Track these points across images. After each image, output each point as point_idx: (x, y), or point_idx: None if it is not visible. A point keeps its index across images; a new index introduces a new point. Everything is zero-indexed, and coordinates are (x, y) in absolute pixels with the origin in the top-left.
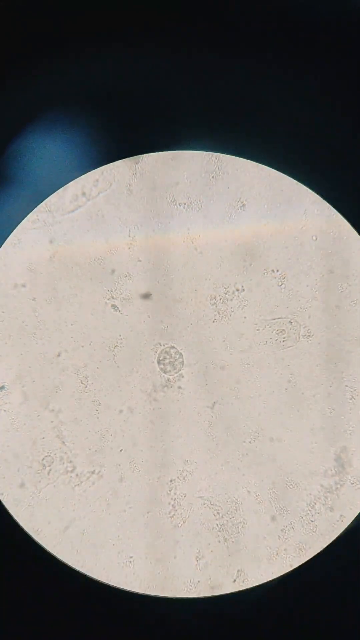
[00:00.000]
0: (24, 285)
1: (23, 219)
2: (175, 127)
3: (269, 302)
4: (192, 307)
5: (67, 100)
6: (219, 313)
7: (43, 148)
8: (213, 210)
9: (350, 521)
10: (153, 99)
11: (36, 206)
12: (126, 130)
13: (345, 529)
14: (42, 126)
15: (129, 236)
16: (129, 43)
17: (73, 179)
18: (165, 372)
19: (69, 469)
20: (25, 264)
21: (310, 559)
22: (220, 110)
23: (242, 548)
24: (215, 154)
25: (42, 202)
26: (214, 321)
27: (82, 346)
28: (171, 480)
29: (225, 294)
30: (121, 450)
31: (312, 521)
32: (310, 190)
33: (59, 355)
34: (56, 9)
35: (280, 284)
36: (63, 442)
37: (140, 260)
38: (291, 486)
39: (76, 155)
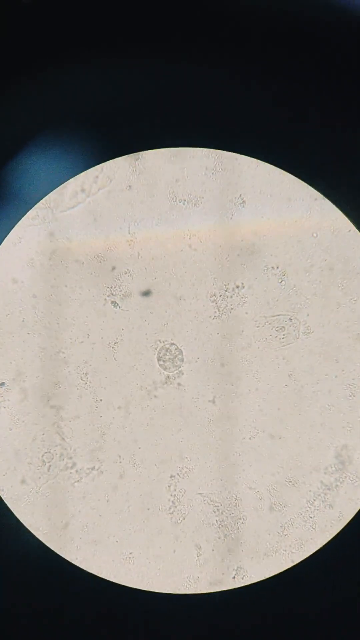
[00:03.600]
0: (24, 282)
1: (23, 216)
2: (176, 124)
3: (269, 299)
4: (192, 304)
5: (68, 97)
6: (218, 310)
7: (43, 145)
8: (213, 207)
9: (350, 518)
10: (153, 96)
11: (36, 203)
12: (126, 127)
13: (345, 526)
14: (42, 124)
15: (129, 233)
16: (129, 43)
17: (73, 176)
18: (165, 369)
19: (69, 465)
20: (25, 261)
21: (310, 556)
22: (220, 107)
23: (242, 544)
24: (215, 150)
25: (42, 199)
26: (213, 318)
27: (82, 343)
28: (171, 477)
29: (225, 290)
30: (119, 458)
31: (311, 517)
32: (310, 187)
33: (59, 351)
34: (59, 13)
35: (280, 280)
36: (63, 439)
37: (140, 257)
38: (291, 483)
39: (76, 152)
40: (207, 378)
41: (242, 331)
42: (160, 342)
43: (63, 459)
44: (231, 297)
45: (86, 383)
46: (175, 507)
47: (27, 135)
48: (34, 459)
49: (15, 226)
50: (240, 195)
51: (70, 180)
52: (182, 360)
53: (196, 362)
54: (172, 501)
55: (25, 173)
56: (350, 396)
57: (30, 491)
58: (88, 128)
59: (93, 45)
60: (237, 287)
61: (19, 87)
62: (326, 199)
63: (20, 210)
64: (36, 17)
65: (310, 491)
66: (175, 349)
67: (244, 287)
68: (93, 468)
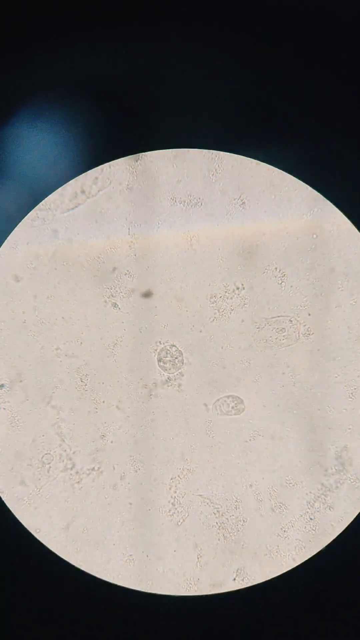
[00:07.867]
0: (24, 283)
1: (24, 217)
2: (176, 124)
3: (269, 300)
4: (193, 306)
5: (68, 97)
6: (219, 311)
7: (43, 146)
8: (213, 208)
9: (351, 520)
10: (154, 96)
11: (36, 204)
12: (126, 127)
13: (346, 528)
14: (42, 124)
15: (130, 234)
16: (130, 40)
17: (73, 177)
18: (165, 371)
19: (69, 466)
20: (25, 263)
21: (310, 558)
22: (221, 107)
23: (243, 546)
24: (215, 151)
25: (42, 200)
26: (214, 319)
27: (82, 344)
28: (171, 478)
29: (225, 292)
30: (119, 459)
31: (312, 519)
32: (310, 188)
33: (58, 353)
34: (57, 2)
35: (280, 282)
36: (63, 440)
37: (140, 259)
38: (291, 484)
39: (76, 153)
40: (208, 379)
41: (242, 332)
42: (161, 343)
43: (63, 460)
44: (231, 298)
45: (86, 384)
46: (176, 508)
47: (27, 136)
48: (33, 460)
49: (16, 228)
50: (240, 196)
51: (70, 181)
52: (183, 362)
53: (196, 363)
54: (173, 502)
55: (25, 174)
56: (350, 397)
57: (30, 492)
58: (88, 129)
59: (93, 44)
60: (237, 288)
61: (18, 86)
62: (326, 199)
63: (20, 212)
64: (35, 12)
65: (310, 492)
66: (176, 351)
67: (244, 288)
68: (93, 469)
